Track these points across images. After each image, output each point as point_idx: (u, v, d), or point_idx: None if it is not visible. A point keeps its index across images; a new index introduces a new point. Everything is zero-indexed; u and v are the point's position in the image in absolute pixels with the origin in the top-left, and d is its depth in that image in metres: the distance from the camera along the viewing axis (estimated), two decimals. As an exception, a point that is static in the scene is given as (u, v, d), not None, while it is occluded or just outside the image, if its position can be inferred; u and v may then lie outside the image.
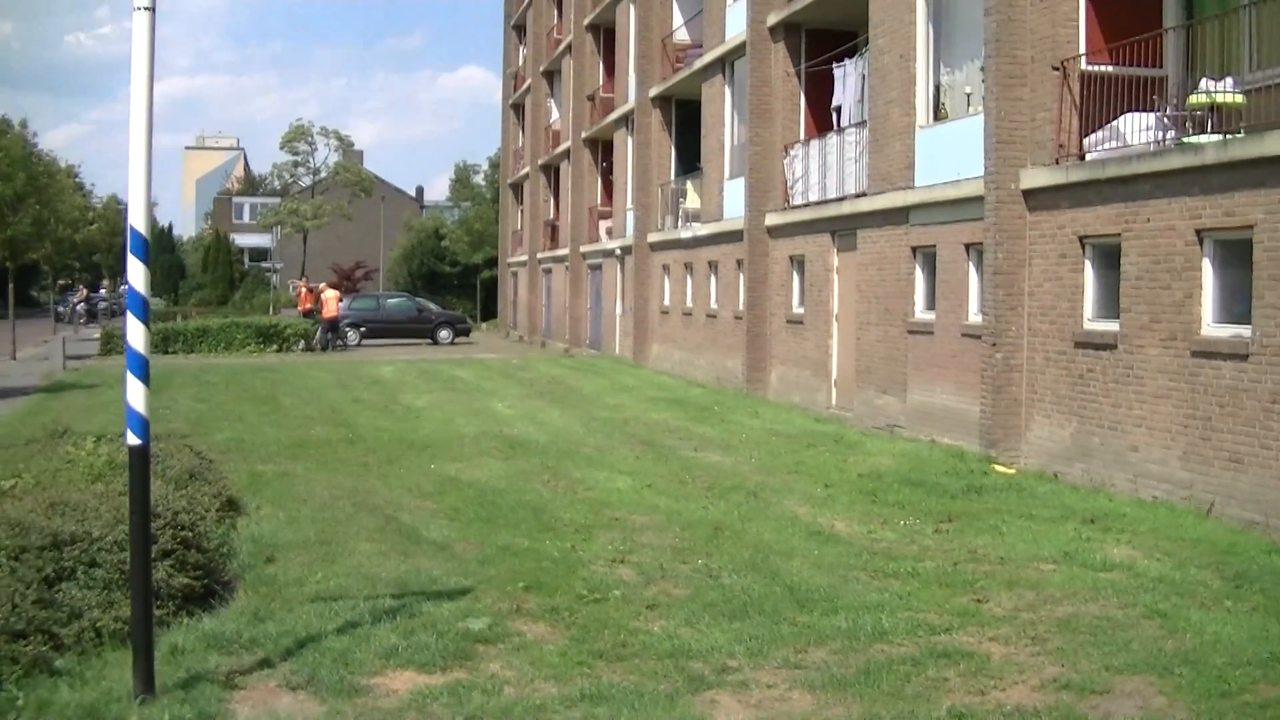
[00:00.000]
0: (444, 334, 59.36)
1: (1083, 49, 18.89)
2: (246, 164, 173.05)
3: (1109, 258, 17.65)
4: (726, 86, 35.09)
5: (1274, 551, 13.09)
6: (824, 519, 15.09)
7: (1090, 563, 12.58)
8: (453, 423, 24.93)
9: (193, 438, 19.52)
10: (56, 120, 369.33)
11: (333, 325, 52.76)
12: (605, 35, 50.60)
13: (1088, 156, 18.30)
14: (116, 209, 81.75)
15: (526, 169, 65.52)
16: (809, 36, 30.38)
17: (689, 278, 38.20)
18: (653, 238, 41.60)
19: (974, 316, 20.97)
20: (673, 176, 41.33)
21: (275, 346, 50.55)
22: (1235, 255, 15.16)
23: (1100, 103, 18.22)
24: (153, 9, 8.06)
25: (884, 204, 24.19)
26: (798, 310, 29.57)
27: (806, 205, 28.95)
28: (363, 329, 57.33)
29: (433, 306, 64.30)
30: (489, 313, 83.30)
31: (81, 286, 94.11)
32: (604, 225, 50.11)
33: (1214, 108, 16.23)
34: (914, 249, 23.20)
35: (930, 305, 22.79)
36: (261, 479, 17.53)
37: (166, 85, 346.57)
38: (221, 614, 10.32)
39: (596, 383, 34.94)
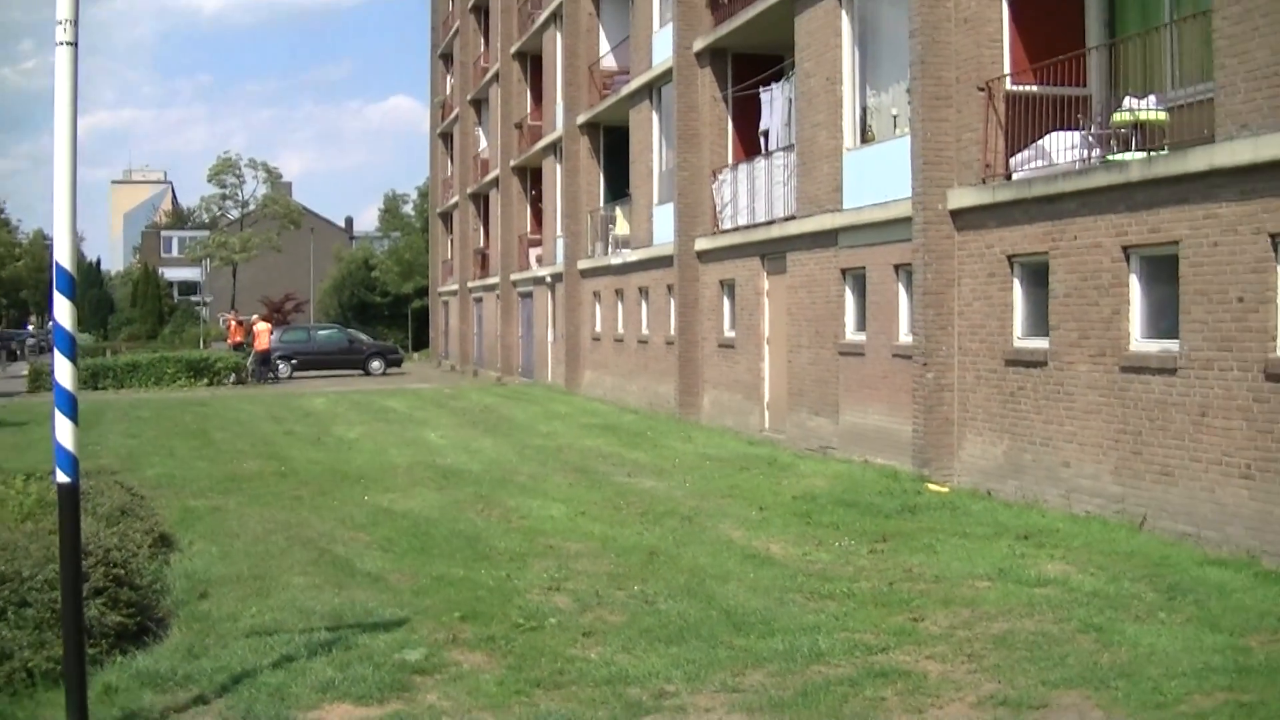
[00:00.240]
0: (376, 365, 59.19)
1: (1007, 69, 19.05)
2: (175, 197, 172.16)
3: (1037, 276, 17.76)
4: (654, 112, 35.16)
5: (1206, 563, 13.19)
6: (759, 542, 15.10)
7: (1025, 579, 12.63)
8: (386, 453, 24.80)
9: (124, 474, 19.31)
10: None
11: (264, 358, 52.41)
12: (532, 63, 50.62)
13: (1014, 176, 18.43)
14: (43, 244, 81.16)
15: (455, 198, 65.39)
16: (735, 61, 30.52)
17: (620, 304, 38.21)
18: (583, 264, 41.60)
19: (904, 337, 21.05)
20: (602, 203, 41.37)
21: (206, 380, 50.08)
22: (1162, 271, 15.30)
23: (1026, 122, 18.36)
24: (75, 43, 7.99)
25: (813, 227, 24.27)
26: (729, 334, 29.62)
27: (736, 229, 29.03)
28: (294, 361, 57.02)
29: (364, 337, 64.14)
30: (420, 343, 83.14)
31: None
32: (534, 253, 50.07)
33: (1138, 125, 16.37)
34: (843, 271, 23.28)
35: (861, 326, 22.87)
36: (194, 514, 17.37)
37: (93, 119, 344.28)
38: (155, 651, 10.19)
39: (529, 410, 34.88)
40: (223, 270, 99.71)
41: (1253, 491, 13.64)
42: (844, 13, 23.47)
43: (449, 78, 70.36)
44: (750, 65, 29.87)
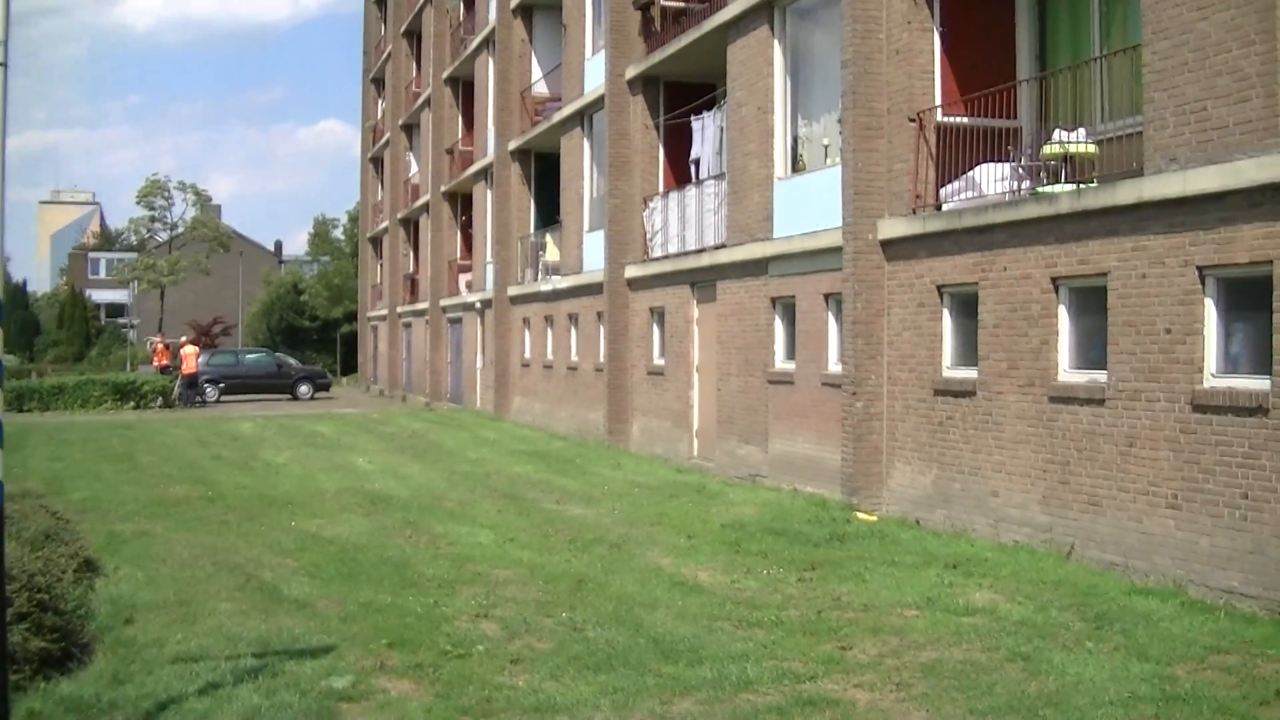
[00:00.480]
0: (304, 389, 58.80)
1: (938, 101, 19.17)
2: (103, 219, 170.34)
3: (967, 306, 17.87)
4: (585, 139, 35.19)
5: (1133, 592, 13.28)
6: (687, 569, 15.08)
7: (953, 607, 12.68)
8: (313, 479, 24.64)
9: (49, 497, 19.05)
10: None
11: (191, 381, 52.05)
12: (464, 88, 50.56)
13: (944, 207, 18.54)
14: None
15: (386, 223, 65.22)
16: (668, 89, 30.57)
17: (549, 330, 38.16)
18: (513, 291, 41.53)
19: (834, 366, 21.10)
20: (532, 229, 41.31)
21: (133, 404, 49.78)
22: (1090, 302, 15.42)
23: (956, 154, 18.48)
24: (4, 64, 7.91)
25: (743, 255, 24.33)
26: (658, 362, 29.63)
27: (666, 257, 29.06)
28: (221, 385, 56.55)
29: (292, 362, 63.76)
30: (349, 367, 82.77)
31: None
32: (464, 279, 49.96)
33: (1067, 158, 16.53)
34: (773, 299, 23.34)
35: (790, 355, 22.92)
36: (120, 539, 17.18)
37: (22, 139, 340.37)
38: (80, 677, 10.08)
39: (458, 436, 34.76)
40: (150, 293, 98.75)
41: (1179, 521, 13.75)
42: (776, 42, 23.57)
43: (380, 102, 70.19)
44: (682, 93, 29.95)
